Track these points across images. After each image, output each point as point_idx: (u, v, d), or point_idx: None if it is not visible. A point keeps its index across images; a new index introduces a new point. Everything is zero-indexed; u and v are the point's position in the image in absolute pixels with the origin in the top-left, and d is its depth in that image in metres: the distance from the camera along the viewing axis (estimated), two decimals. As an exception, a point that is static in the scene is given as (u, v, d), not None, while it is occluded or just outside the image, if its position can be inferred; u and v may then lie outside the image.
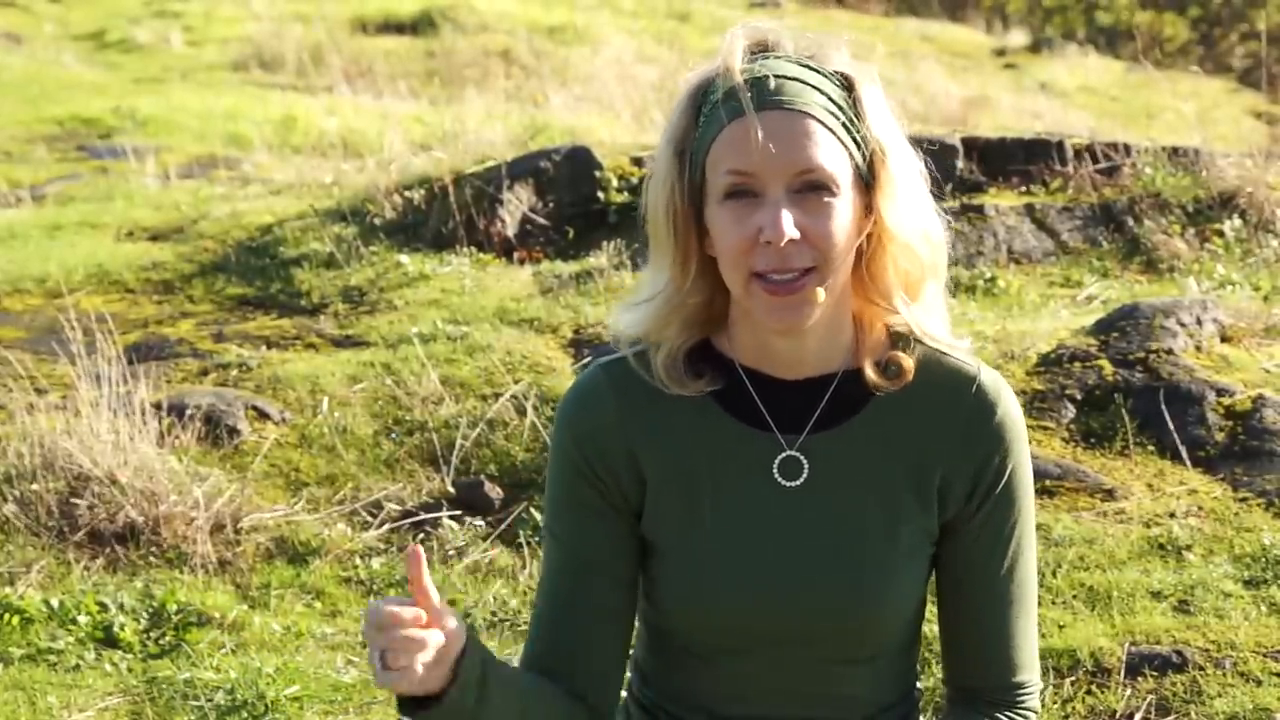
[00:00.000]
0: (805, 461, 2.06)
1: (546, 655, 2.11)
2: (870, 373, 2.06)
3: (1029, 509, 2.12)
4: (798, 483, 2.06)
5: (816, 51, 2.02)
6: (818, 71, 1.99)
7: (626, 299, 2.13)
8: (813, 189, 1.95)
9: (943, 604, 2.14)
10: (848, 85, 2.00)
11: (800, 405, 2.07)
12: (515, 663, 2.20)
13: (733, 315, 2.07)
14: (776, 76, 1.96)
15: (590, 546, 2.09)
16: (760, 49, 2.01)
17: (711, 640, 2.09)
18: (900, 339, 2.08)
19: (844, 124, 1.98)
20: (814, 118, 1.95)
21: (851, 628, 2.06)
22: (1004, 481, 2.08)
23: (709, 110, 1.98)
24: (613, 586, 2.10)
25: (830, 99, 1.97)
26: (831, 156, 1.95)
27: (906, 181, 2.01)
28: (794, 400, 2.07)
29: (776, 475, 2.06)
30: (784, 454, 2.06)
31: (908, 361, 2.06)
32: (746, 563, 2.05)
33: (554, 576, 2.12)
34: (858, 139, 1.98)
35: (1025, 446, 2.11)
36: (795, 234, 1.94)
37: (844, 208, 1.96)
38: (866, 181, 2.00)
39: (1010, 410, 2.08)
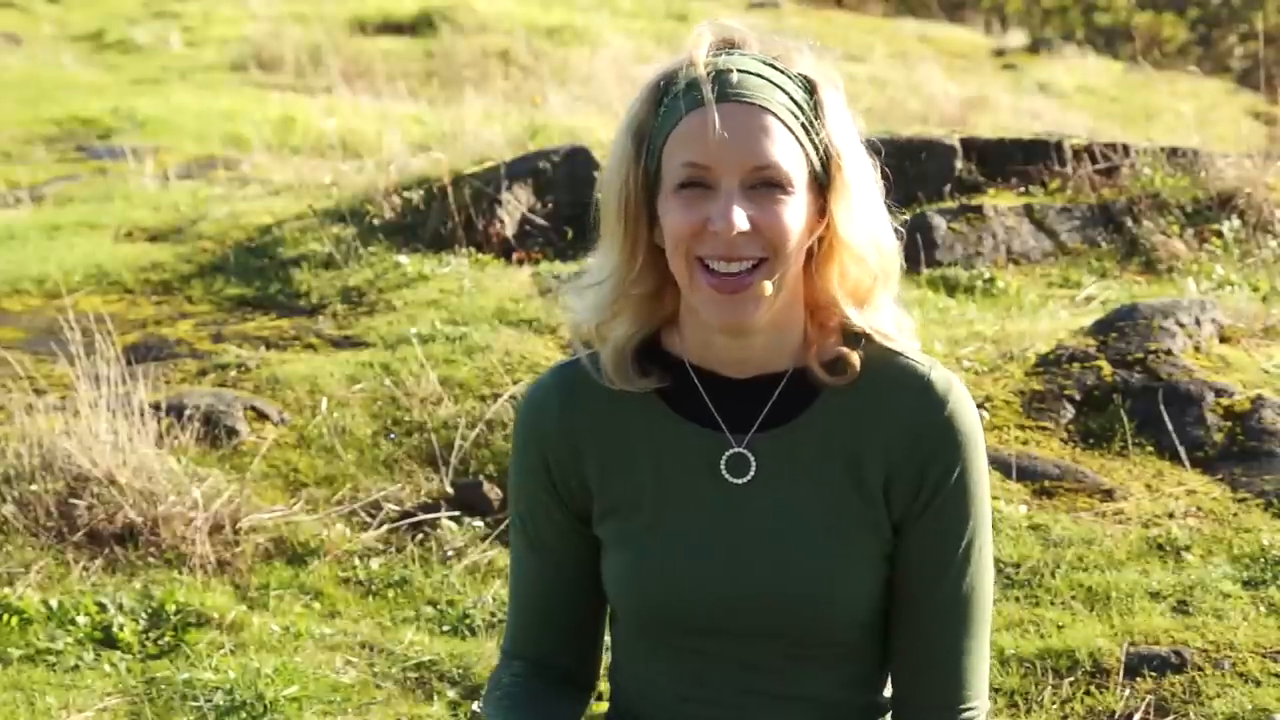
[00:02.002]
0: (753, 459, 2.07)
1: (530, 646, 2.19)
2: (817, 370, 2.05)
3: (982, 524, 2.07)
4: (745, 479, 2.07)
5: (782, 53, 2.02)
6: (782, 72, 2.00)
7: (575, 282, 2.14)
8: (766, 185, 1.96)
9: (890, 610, 2.10)
10: (810, 88, 2.00)
11: (748, 404, 2.08)
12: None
13: (682, 313, 2.08)
14: (740, 71, 1.97)
15: (554, 543, 2.15)
16: (726, 46, 2.02)
17: (664, 633, 2.10)
18: (853, 338, 2.07)
19: (803, 125, 1.98)
20: (773, 114, 1.96)
21: (798, 621, 2.06)
22: (950, 484, 2.04)
23: (670, 101, 1.99)
24: (581, 576, 2.15)
25: (791, 99, 1.98)
26: (788, 155, 1.96)
27: (861, 189, 2.01)
28: (742, 399, 2.08)
29: (724, 472, 2.07)
30: (731, 450, 2.07)
31: (854, 359, 2.05)
32: (690, 555, 2.06)
33: (525, 570, 2.19)
34: (816, 142, 1.99)
35: (978, 453, 2.06)
36: (745, 226, 1.95)
37: (797, 206, 1.97)
38: (822, 184, 2.00)
39: (959, 411, 2.05)
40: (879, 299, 2.05)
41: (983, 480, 2.07)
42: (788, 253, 1.97)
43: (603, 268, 2.08)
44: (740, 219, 1.94)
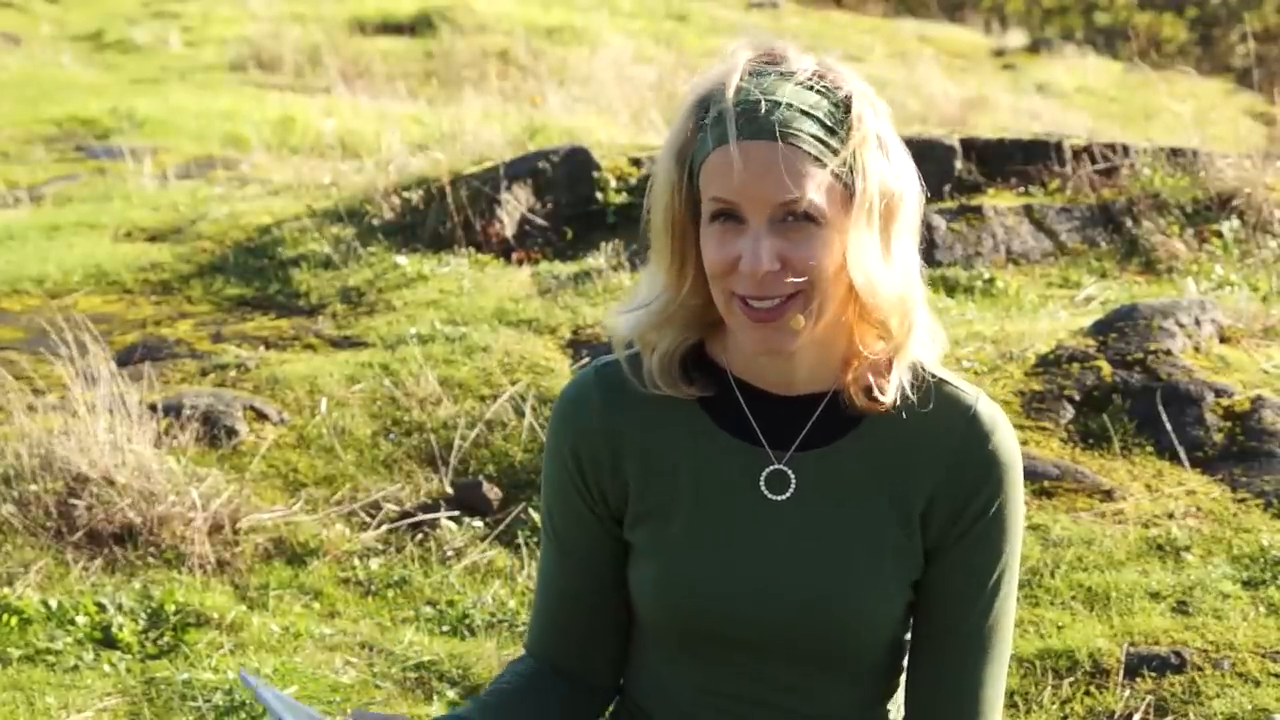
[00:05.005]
0: (793, 476, 2.06)
1: (548, 647, 2.19)
2: (855, 396, 2.04)
3: (1013, 557, 2.08)
4: (784, 497, 2.06)
5: (825, 71, 1.99)
6: (820, 93, 1.96)
7: (624, 302, 2.12)
8: (796, 219, 1.94)
9: (913, 634, 2.11)
10: (847, 110, 1.96)
11: (790, 421, 2.07)
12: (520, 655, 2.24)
13: (727, 325, 2.06)
14: (769, 100, 1.93)
15: (580, 545, 2.14)
16: (766, 61, 1.99)
17: (687, 641, 2.10)
18: (894, 365, 2.06)
19: (835, 151, 1.94)
20: (801, 148, 1.92)
21: (824, 641, 2.06)
22: (989, 515, 2.05)
23: (706, 126, 1.97)
24: (606, 581, 2.14)
25: (824, 124, 1.94)
26: (816, 187, 1.93)
27: (866, 221, 1.96)
28: (784, 415, 2.07)
29: (763, 489, 2.06)
30: (772, 467, 2.06)
31: (891, 390, 2.03)
32: (723, 568, 2.05)
33: (550, 570, 2.18)
34: (851, 166, 1.95)
35: (1017, 487, 2.06)
36: (773, 266, 1.93)
37: (830, 236, 1.95)
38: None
39: (1003, 444, 2.05)
40: (912, 331, 2.03)
41: (1019, 513, 2.07)
42: (822, 284, 1.96)
43: (651, 288, 2.07)
44: (767, 259, 1.93)
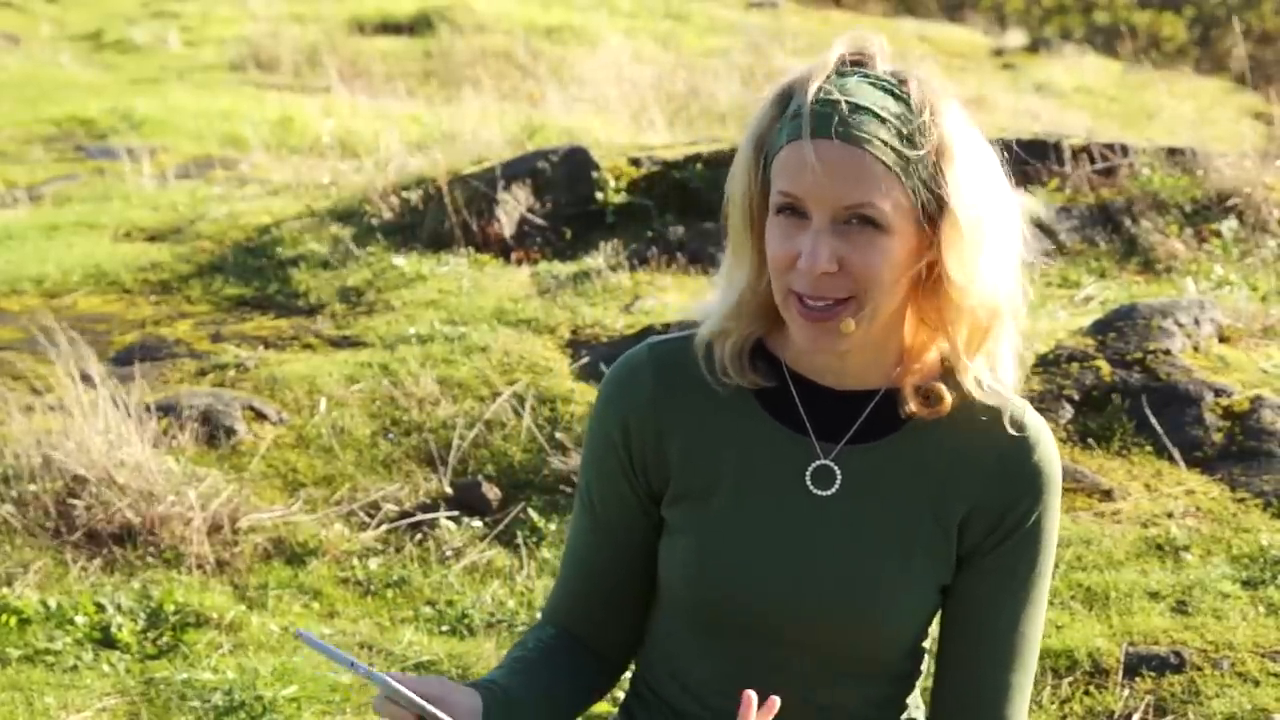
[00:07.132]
0: (839, 472, 2.07)
1: (567, 616, 2.21)
2: (909, 398, 2.05)
3: (1047, 568, 2.09)
4: (828, 492, 2.07)
5: (911, 80, 1.98)
6: (902, 100, 1.96)
7: (715, 287, 2.13)
8: (860, 223, 1.95)
9: (941, 640, 2.12)
10: (933, 119, 1.96)
11: (839, 415, 2.08)
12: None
13: (785, 317, 2.07)
14: (850, 102, 1.94)
15: (615, 519, 2.15)
16: (854, 62, 2.00)
17: (711, 624, 2.11)
18: (951, 371, 2.06)
19: (911, 161, 1.94)
20: (873, 154, 1.93)
21: (849, 636, 2.07)
22: (1027, 527, 2.06)
23: (786, 119, 1.98)
24: (635, 556, 2.15)
25: (901, 133, 1.95)
26: (884, 193, 1.93)
27: (974, 231, 1.96)
28: (834, 408, 2.08)
29: (809, 482, 2.07)
30: (818, 462, 2.07)
31: (947, 396, 2.04)
32: (760, 553, 2.07)
33: (580, 540, 2.19)
34: (925, 177, 1.95)
35: (1056, 500, 2.07)
36: (831, 267, 1.94)
37: (891, 244, 1.95)
38: (933, 217, 1.96)
39: (1047, 457, 2.06)
40: (989, 343, 2.03)
41: (1055, 525, 2.09)
42: (876, 292, 1.96)
43: (733, 279, 2.08)
44: (825, 260, 1.94)
